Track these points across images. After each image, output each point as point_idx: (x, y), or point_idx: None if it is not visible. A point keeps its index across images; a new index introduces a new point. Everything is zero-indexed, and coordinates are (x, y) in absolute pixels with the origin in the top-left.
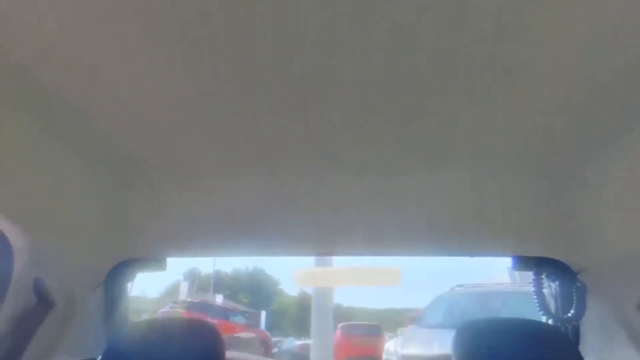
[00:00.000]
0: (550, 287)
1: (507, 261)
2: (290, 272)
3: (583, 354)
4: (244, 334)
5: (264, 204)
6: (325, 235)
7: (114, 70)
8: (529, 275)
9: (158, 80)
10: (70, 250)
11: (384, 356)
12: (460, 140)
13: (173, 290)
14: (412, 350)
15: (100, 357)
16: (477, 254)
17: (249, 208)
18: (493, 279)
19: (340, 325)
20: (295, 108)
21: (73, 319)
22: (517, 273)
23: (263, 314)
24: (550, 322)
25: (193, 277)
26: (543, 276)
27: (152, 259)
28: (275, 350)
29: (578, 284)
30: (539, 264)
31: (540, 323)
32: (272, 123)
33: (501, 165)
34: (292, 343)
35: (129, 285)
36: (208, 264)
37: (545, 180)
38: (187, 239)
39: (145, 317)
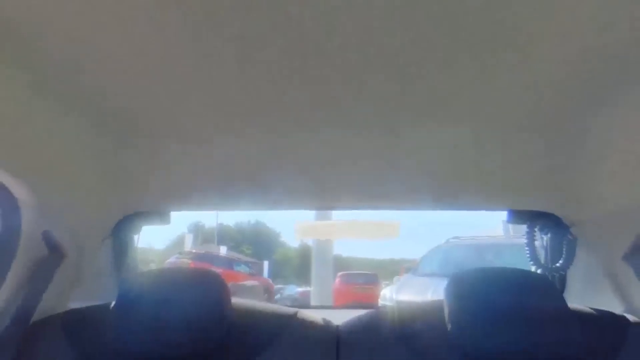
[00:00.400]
0: (542, 240)
1: (502, 214)
2: (291, 225)
3: (568, 300)
4: (248, 282)
5: (264, 159)
6: (325, 189)
7: (110, 25)
8: (522, 228)
9: (155, 35)
10: (76, 204)
11: (380, 301)
12: (460, 96)
13: (178, 242)
14: (407, 296)
15: (113, 302)
16: (474, 207)
17: (249, 163)
18: (488, 231)
19: (339, 274)
20: (295, 64)
21: (85, 268)
22: (510, 226)
23: (266, 263)
24: (539, 272)
25: (197, 230)
26: (536, 229)
27: (157, 213)
28: (277, 296)
29: (569, 237)
30: (533, 217)
31: (528, 272)
32: (272, 79)
33: (500, 121)
34: (294, 290)
35: (136, 237)
36: (211, 218)
37: (542, 136)
38: (189, 193)
39: (153, 267)
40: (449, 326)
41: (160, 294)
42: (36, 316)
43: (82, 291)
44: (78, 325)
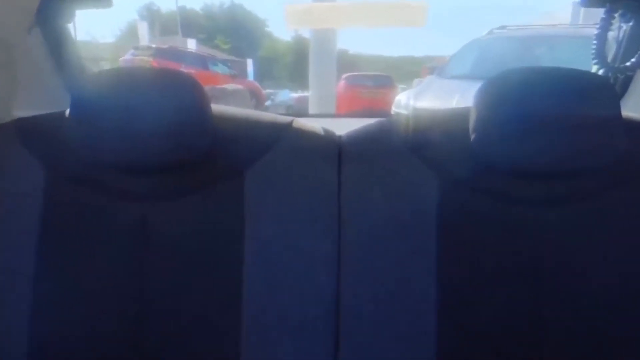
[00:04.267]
0: (619, 30)
1: None
2: (280, 10)
3: (625, 108)
4: (230, 86)
5: None
6: None
7: None
8: (597, 15)
9: None
10: None
11: (393, 109)
12: None
13: (130, 34)
14: (427, 102)
15: (68, 110)
16: None
17: None
18: (548, 19)
19: (344, 75)
20: None
21: (16, 67)
22: (582, 11)
23: (249, 62)
24: (601, 72)
25: (152, 17)
26: (616, 15)
27: None
28: (268, 103)
29: None
30: None
31: (583, 72)
32: None
33: None
34: (288, 95)
35: (71, 26)
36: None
37: None
38: None
39: (105, 66)
40: (473, 135)
41: (124, 98)
42: None
43: (26, 98)
44: (33, 133)
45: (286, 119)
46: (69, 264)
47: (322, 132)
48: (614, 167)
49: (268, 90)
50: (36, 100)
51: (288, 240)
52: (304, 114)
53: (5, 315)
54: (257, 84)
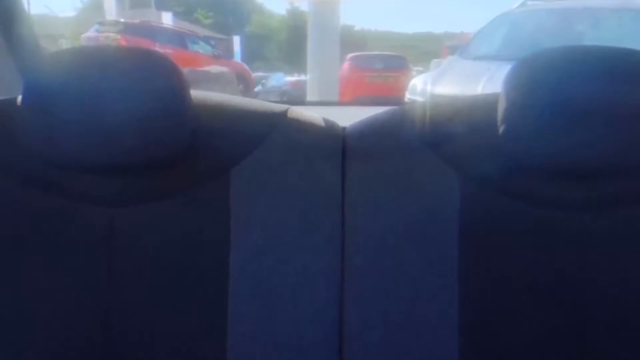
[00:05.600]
0: None
1: None
2: None
3: None
4: (213, 68)
5: None
6: None
7: None
8: None
9: None
10: None
11: (407, 96)
12: None
13: (94, 5)
14: (447, 88)
15: (19, 97)
16: None
17: None
18: None
19: (349, 56)
20: None
21: None
22: None
23: (237, 40)
24: None
25: None
26: None
27: None
28: (258, 88)
29: None
30: None
31: (635, 52)
32: None
33: None
34: (282, 79)
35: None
36: None
37: None
38: None
39: (63, 44)
40: (502, 128)
41: (88, 83)
42: None
43: None
44: None
45: (280, 107)
46: (21, 281)
47: (322, 124)
48: None
49: (258, 74)
50: None
51: (282, 252)
52: (300, 101)
53: None
54: (244, 66)
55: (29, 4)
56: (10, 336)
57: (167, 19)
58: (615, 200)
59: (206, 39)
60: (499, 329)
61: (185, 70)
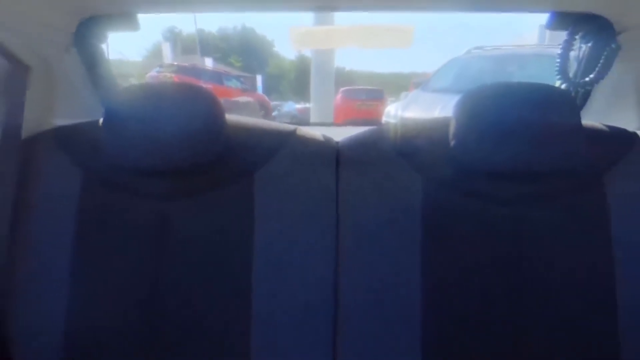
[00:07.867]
0: (580, 50)
1: (541, 18)
2: (285, 32)
3: (586, 117)
4: (242, 98)
5: None
6: None
7: None
8: (560, 37)
9: None
10: (25, 10)
11: (384, 118)
12: None
13: (155, 53)
14: (413, 113)
15: (101, 119)
16: (514, 8)
17: None
18: (518, 40)
19: (341, 89)
20: None
21: (57, 82)
22: (548, 33)
23: (259, 78)
24: (563, 87)
25: (174, 38)
26: (577, 37)
27: (121, 16)
28: (275, 113)
29: (613, 45)
30: (578, 21)
31: (548, 86)
32: None
33: None
34: (292, 107)
35: (104, 46)
36: (189, 23)
37: None
38: None
39: (133, 81)
40: (453, 142)
41: (150, 109)
42: (25, 134)
43: (64, 109)
44: (71, 140)
45: (290, 127)
46: (100, 261)
47: (322, 139)
48: (576, 170)
49: (275, 102)
50: (74, 111)
51: (292, 236)
52: (305, 123)
53: (43, 310)
54: (265, 97)
55: (107, 51)
56: (93, 306)
57: (208, 62)
58: (535, 197)
59: (237, 77)
60: (452, 294)
61: (221, 100)
